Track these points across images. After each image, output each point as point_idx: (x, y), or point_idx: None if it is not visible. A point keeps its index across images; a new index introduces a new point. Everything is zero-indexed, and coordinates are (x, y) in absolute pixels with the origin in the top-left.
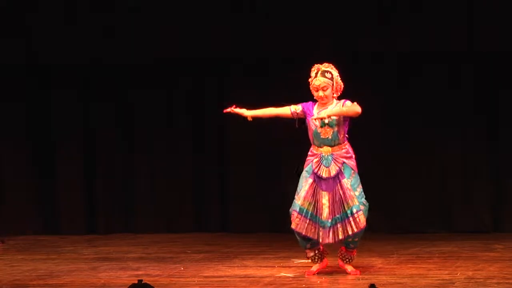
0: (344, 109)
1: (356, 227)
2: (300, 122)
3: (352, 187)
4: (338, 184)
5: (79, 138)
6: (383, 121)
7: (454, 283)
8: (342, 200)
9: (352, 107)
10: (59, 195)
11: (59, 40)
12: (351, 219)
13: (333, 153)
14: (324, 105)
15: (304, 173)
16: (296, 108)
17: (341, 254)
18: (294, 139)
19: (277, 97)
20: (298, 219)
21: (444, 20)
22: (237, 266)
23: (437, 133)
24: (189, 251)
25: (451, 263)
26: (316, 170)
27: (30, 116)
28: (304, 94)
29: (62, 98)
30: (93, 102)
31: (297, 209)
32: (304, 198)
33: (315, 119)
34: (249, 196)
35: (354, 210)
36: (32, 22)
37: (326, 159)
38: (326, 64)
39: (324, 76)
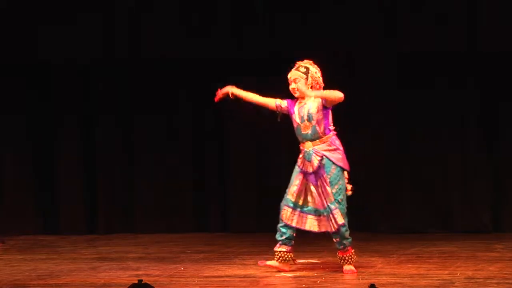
0: (326, 92)
1: (333, 226)
2: (283, 116)
3: (331, 183)
4: (321, 178)
5: (79, 138)
6: (383, 121)
7: (454, 283)
8: (324, 196)
9: (333, 92)
10: (59, 195)
11: (59, 40)
12: (330, 216)
13: (314, 147)
14: (303, 99)
15: (296, 168)
16: (281, 103)
17: (338, 257)
18: (295, 139)
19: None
20: (290, 214)
21: (444, 20)
22: (237, 266)
23: (437, 133)
24: (189, 251)
25: (451, 263)
26: (301, 166)
27: (30, 116)
28: None
29: (62, 98)
30: (93, 102)
31: (289, 204)
32: (296, 193)
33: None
34: (249, 196)
35: (332, 207)
36: (31, 22)
37: (308, 153)
38: (306, 61)
39: (298, 70)
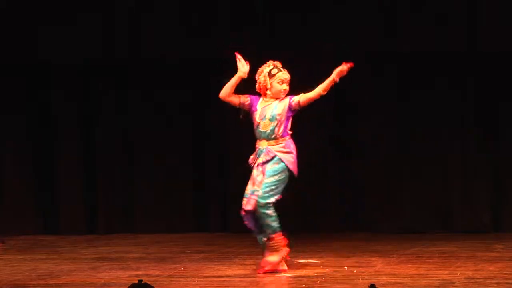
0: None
1: (247, 207)
2: (245, 113)
3: (267, 173)
4: (261, 169)
5: (79, 138)
6: (383, 121)
7: (454, 283)
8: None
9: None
10: (59, 195)
11: (59, 40)
12: (246, 199)
13: (268, 146)
14: (274, 99)
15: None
16: (245, 100)
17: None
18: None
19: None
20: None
21: (444, 20)
22: (237, 266)
23: (437, 133)
24: (189, 251)
25: (451, 263)
26: (252, 164)
27: (30, 116)
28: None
29: (62, 98)
30: (93, 102)
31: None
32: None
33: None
34: None
35: (255, 192)
36: (31, 22)
37: (260, 151)
38: (277, 62)
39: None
